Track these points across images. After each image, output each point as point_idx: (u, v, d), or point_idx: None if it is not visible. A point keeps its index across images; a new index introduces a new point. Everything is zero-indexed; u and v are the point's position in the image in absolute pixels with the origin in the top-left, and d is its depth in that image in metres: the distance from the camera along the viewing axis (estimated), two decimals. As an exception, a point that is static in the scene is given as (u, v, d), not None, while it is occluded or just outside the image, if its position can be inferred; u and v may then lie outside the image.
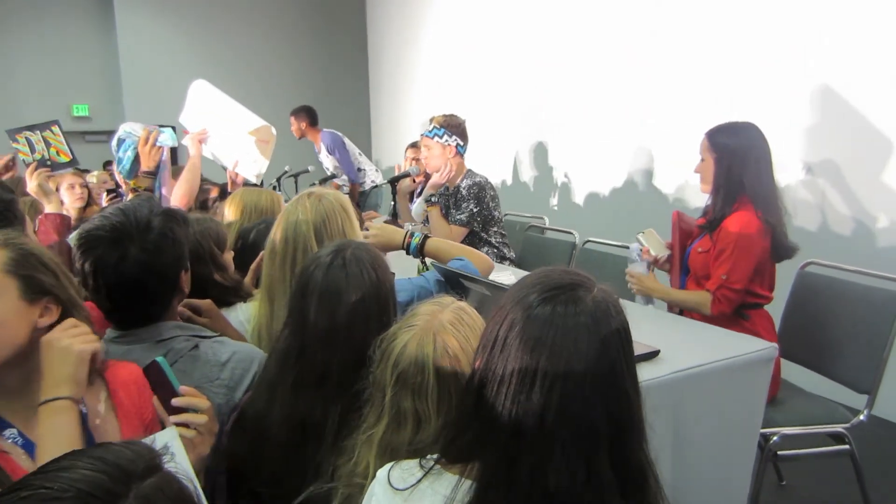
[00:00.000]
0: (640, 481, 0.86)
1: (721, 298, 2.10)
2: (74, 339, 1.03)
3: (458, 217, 2.98)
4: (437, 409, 1.06)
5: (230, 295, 1.76)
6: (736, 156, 2.12)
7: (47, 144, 2.53)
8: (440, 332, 1.09)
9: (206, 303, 1.64)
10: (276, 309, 1.61)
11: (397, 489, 0.91)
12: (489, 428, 0.85)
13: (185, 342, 1.34)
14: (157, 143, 2.57)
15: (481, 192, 2.98)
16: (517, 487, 0.81)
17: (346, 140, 5.31)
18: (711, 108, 3.89)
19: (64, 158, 2.49)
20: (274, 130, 3.13)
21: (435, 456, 0.92)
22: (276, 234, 1.65)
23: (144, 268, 1.26)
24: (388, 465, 0.96)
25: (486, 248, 3.07)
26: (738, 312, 2.15)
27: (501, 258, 3.07)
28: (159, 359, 1.16)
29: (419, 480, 0.90)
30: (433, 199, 3.01)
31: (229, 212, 2.22)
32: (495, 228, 3.08)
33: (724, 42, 3.80)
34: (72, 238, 1.63)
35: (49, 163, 2.47)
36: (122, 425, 1.11)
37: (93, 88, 7.92)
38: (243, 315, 1.72)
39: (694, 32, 3.98)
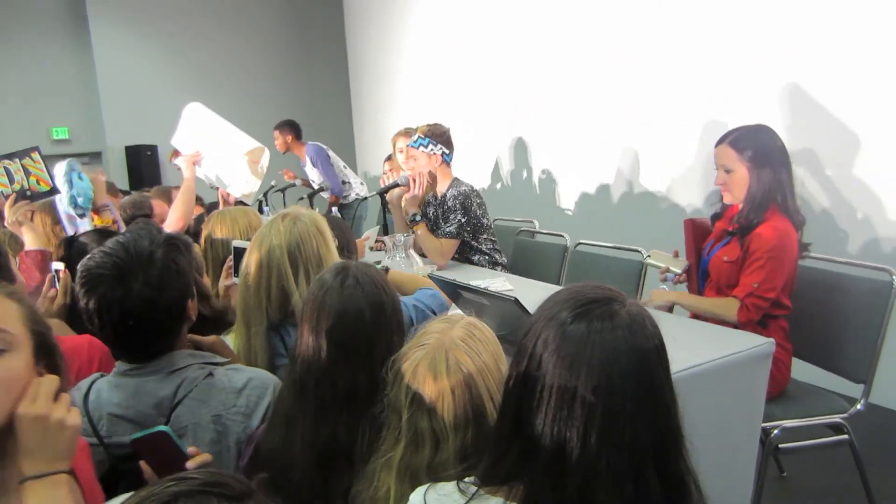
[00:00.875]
0: (684, 491, 0.85)
1: (750, 306, 2.04)
2: (68, 415, 0.97)
3: (447, 229, 2.98)
4: (455, 428, 1.06)
5: (210, 327, 1.71)
6: (770, 162, 2.06)
7: (27, 173, 2.45)
8: (452, 349, 1.09)
9: (210, 339, 1.63)
10: (252, 337, 1.60)
11: None
12: (531, 449, 0.83)
13: (200, 370, 1.32)
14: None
15: (467, 200, 2.98)
16: None
17: (331, 153, 5.32)
18: (695, 105, 3.94)
19: (44, 187, 2.42)
20: (267, 153, 3.13)
21: (473, 479, 0.91)
22: (250, 259, 1.62)
23: (150, 303, 1.24)
24: (422, 489, 0.95)
25: (477, 256, 3.07)
26: (760, 321, 2.11)
27: (493, 264, 3.08)
28: (164, 428, 1.13)
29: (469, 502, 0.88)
30: (417, 217, 3.00)
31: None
32: (485, 235, 3.08)
33: (705, 39, 3.85)
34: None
35: (29, 193, 2.39)
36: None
37: (72, 111, 7.85)
38: (231, 344, 1.68)
39: (677, 32, 4.02)
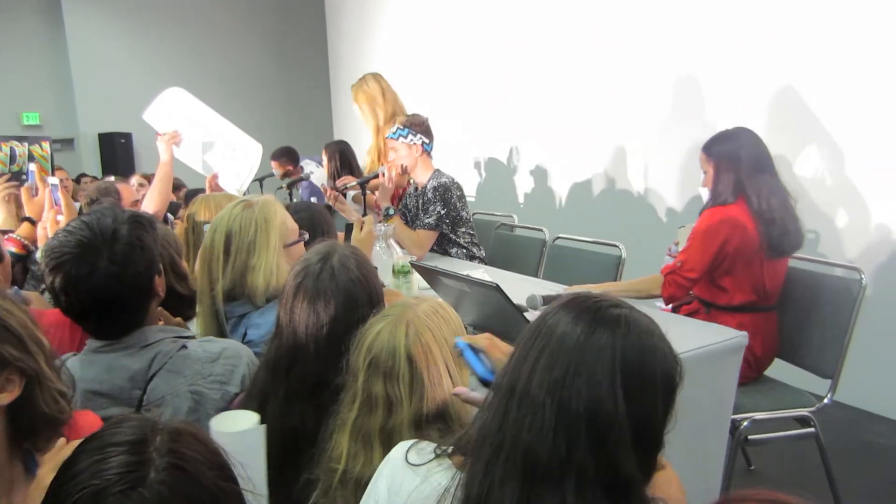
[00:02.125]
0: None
1: (671, 283, 2.16)
2: None
3: (426, 221, 2.98)
4: (410, 394, 1.08)
5: (187, 307, 1.72)
6: (731, 161, 2.18)
7: (30, 157, 2.40)
8: (414, 320, 1.12)
9: (176, 320, 1.64)
10: (205, 318, 1.62)
11: (413, 464, 0.93)
12: (510, 446, 0.82)
13: (173, 343, 1.33)
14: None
15: (447, 192, 2.98)
16: None
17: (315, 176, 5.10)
18: (676, 102, 4.00)
19: (42, 175, 2.36)
20: (260, 149, 3.09)
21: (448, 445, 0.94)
22: (204, 242, 1.66)
23: (116, 280, 1.24)
24: (406, 444, 0.98)
25: (454, 249, 3.08)
26: (711, 308, 2.22)
27: (471, 257, 3.09)
28: None
29: (429, 461, 0.92)
30: (390, 211, 2.99)
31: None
32: (463, 229, 3.09)
33: (689, 36, 3.90)
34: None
35: (24, 177, 2.32)
36: None
37: (43, 96, 7.68)
38: (196, 329, 1.69)
39: (661, 28, 4.08)
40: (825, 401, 2.12)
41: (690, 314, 2.34)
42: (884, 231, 3.15)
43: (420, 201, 3.08)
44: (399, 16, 6.61)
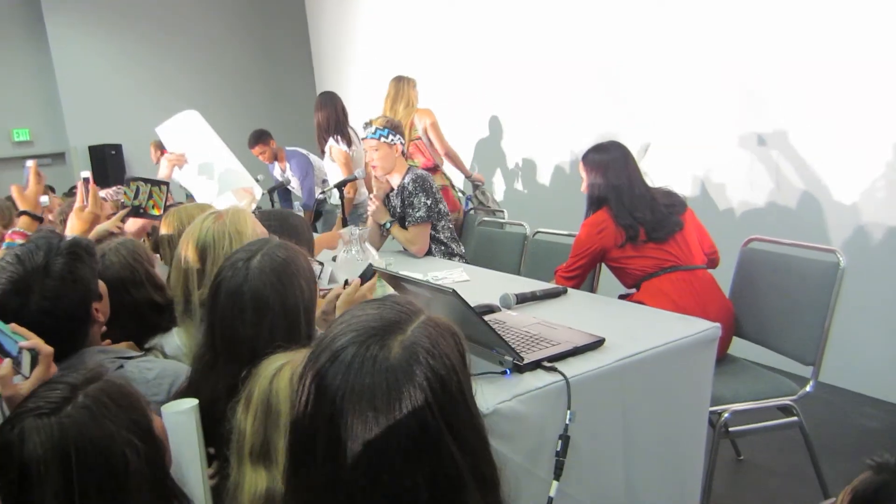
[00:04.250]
0: None
1: (558, 279, 2.49)
2: None
3: (416, 215, 2.96)
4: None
5: (167, 318, 1.71)
6: (599, 171, 2.48)
7: (149, 196, 2.58)
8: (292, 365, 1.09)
9: (122, 345, 1.63)
10: (188, 328, 1.60)
11: None
12: (308, 494, 0.74)
13: (111, 364, 1.33)
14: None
15: (425, 182, 2.99)
16: None
17: (312, 157, 5.03)
18: (663, 91, 3.94)
19: (155, 212, 2.54)
20: (259, 192, 3.09)
21: None
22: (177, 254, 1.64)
23: (49, 314, 1.26)
24: None
25: (433, 245, 3.05)
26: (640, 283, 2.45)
27: (450, 255, 3.06)
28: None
29: None
30: (387, 224, 3.02)
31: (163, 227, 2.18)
32: (443, 223, 3.06)
33: (675, 18, 3.85)
34: None
35: (142, 211, 2.55)
36: None
37: (32, 112, 7.69)
38: (179, 339, 1.66)
39: (645, 15, 4.02)
40: (807, 388, 2.08)
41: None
42: (858, 210, 3.11)
43: (401, 198, 3.05)
44: (379, 10, 6.56)
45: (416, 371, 0.70)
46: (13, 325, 1.20)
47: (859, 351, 3.05)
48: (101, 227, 2.13)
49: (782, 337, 2.20)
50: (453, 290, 1.55)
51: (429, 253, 3.06)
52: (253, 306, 1.23)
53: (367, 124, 3.02)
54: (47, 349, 1.21)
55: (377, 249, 2.86)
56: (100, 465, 0.90)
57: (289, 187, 4.94)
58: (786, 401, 2.08)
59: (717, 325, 1.84)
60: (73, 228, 2.08)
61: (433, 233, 3.04)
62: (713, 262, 2.53)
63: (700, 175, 3.79)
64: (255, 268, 1.25)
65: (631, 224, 2.39)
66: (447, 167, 4.24)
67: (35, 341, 1.20)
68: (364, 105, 6.96)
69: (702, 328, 1.80)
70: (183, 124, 3.05)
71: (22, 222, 2.11)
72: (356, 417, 0.69)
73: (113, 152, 7.58)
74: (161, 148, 6.52)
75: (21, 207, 2.12)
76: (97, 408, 0.93)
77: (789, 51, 3.27)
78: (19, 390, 1.12)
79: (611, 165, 2.47)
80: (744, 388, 2.11)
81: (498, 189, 5.35)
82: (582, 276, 2.52)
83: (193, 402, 1.14)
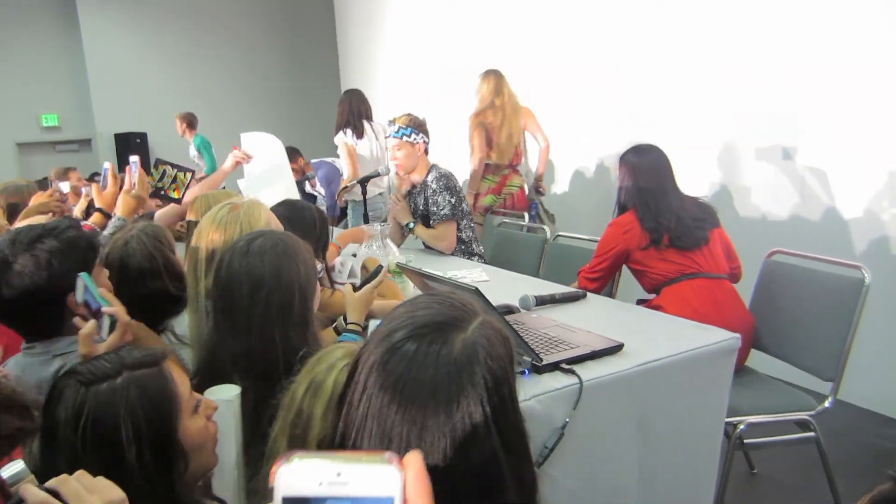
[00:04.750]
0: None
1: (581, 280, 2.53)
2: None
3: (441, 213, 2.97)
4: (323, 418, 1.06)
5: (182, 305, 1.74)
6: (634, 173, 2.48)
7: (173, 181, 2.73)
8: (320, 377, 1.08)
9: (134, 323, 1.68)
10: (192, 316, 1.66)
11: None
12: None
13: (71, 358, 1.37)
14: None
15: (450, 181, 3.00)
16: None
17: (339, 163, 5.11)
18: (686, 97, 3.92)
19: (174, 195, 2.68)
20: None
21: None
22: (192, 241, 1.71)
23: (18, 291, 1.34)
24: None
25: (456, 244, 3.05)
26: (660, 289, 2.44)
27: (470, 254, 3.06)
28: (83, 274, 1.34)
29: None
30: (410, 224, 3.03)
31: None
32: (465, 221, 3.07)
33: (699, 28, 3.83)
34: None
35: (162, 193, 2.68)
36: None
37: (61, 98, 7.82)
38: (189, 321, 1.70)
39: (669, 21, 4.01)
40: (826, 404, 2.06)
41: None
42: (886, 227, 3.07)
43: (423, 196, 3.06)
44: (407, 14, 6.59)
45: (476, 369, 0.72)
46: (102, 289, 1.32)
47: (878, 369, 3.01)
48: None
49: (802, 351, 2.18)
50: (476, 287, 1.56)
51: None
52: (249, 280, 1.31)
53: (391, 122, 3.04)
54: (125, 318, 1.32)
55: (398, 246, 2.88)
56: (101, 447, 0.95)
57: (318, 196, 5.00)
58: (803, 415, 2.06)
59: (737, 335, 1.83)
60: (120, 209, 2.19)
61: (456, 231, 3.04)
62: (734, 276, 2.50)
63: (724, 186, 3.76)
64: (255, 247, 1.34)
65: (655, 228, 2.39)
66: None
67: (116, 308, 1.32)
68: (390, 105, 7.01)
69: (721, 338, 1.79)
70: (265, 141, 3.18)
71: (94, 218, 2.26)
72: (413, 409, 0.70)
73: (138, 140, 7.68)
74: (186, 120, 6.57)
75: (97, 204, 2.27)
76: (119, 396, 0.97)
77: (816, 62, 3.23)
78: (94, 350, 1.23)
79: (643, 168, 2.47)
80: (761, 401, 2.10)
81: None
82: (605, 279, 2.52)
83: (236, 389, 1.18)
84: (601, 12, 4.44)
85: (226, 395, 1.17)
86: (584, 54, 4.60)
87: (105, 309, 1.30)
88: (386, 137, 3.22)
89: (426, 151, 3.04)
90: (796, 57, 3.32)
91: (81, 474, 0.80)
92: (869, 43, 3.03)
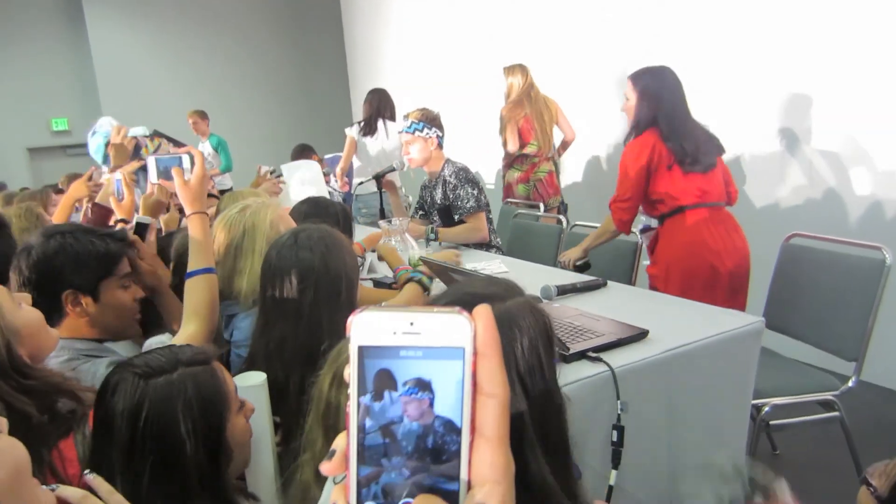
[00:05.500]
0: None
1: (615, 211, 2.55)
2: None
3: (467, 206, 2.98)
4: None
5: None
6: (655, 98, 2.48)
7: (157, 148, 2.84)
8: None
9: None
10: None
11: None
12: None
13: (66, 362, 1.40)
14: (129, 135, 2.67)
15: (468, 173, 3.03)
16: None
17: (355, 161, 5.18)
18: (700, 82, 3.88)
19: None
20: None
21: None
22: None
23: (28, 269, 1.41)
24: None
25: None
26: (663, 219, 2.52)
27: (487, 246, 3.07)
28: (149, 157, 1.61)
29: None
30: (431, 234, 2.95)
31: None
32: (482, 213, 3.08)
33: (711, 11, 3.82)
34: None
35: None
36: None
37: (71, 101, 7.86)
38: None
39: (682, 12, 3.99)
40: (850, 384, 2.08)
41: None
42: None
43: (439, 190, 3.07)
44: (414, 11, 6.58)
45: (508, 332, 0.82)
46: (157, 138, 1.41)
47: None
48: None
49: (824, 332, 2.20)
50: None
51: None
52: (298, 267, 1.38)
53: (405, 118, 3.05)
54: (196, 150, 1.54)
55: (416, 240, 2.90)
56: (160, 441, 0.97)
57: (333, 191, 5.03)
58: (828, 396, 2.08)
59: (761, 318, 1.85)
60: (144, 209, 2.24)
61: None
62: (731, 200, 2.59)
63: (739, 170, 3.75)
64: (303, 238, 1.42)
65: (679, 148, 2.43)
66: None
67: (188, 147, 1.50)
68: (398, 101, 7.00)
69: (747, 322, 1.81)
70: (304, 166, 3.39)
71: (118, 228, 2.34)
72: None
73: (148, 142, 7.72)
74: (200, 117, 6.54)
75: (119, 215, 2.32)
76: (177, 390, 0.99)
77: (831, 45, 3.22)
78: (189, 183, 1.52)
79: (665, 92, 2.49)
80: (785, 383, 2.11)
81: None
82: (635, 204, 2.54)
83: (262, 375, 1.21)
84: (621, 8, 4.43)
85: (253, 382, 1.21)
86: (595, 43, 4.59)
87: (181, 151, 1.43)
88: (399, 133, 3.24)
89: (440, 145, 3.05)
90: (811, 40, 3.31)
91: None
92: (884, 25, 3.01)
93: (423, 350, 0.33)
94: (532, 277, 2.32)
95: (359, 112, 8.20)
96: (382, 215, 3.19)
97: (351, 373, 0.34)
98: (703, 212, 2.45)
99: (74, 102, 7.87)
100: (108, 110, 7.65)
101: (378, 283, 2.41)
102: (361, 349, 0.34)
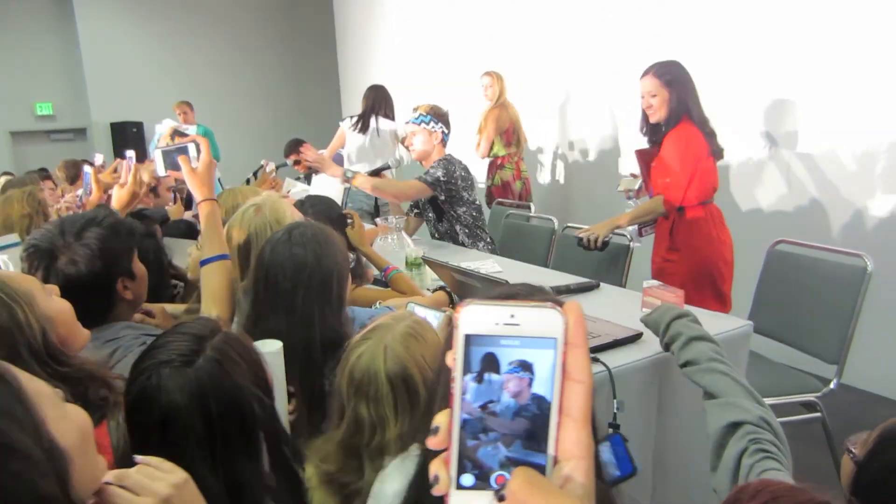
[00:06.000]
0: None
1: (673, 194, 2.58)
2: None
3: (422, 176, 2.99)
4: (395, 415, 1.15)
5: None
6: (682, 86, 2.58)
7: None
8: (391, 344, 1.17)
9: (158, 307, 1.78)
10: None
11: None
12: None
13: (134, 340, 1.42)
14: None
15: (449, 164, 2.99)
16: None
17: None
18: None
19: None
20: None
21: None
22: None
23: (70, 278, 1.37)
24: (385, 472, 1.04)
25: (458, 227, 3.08)
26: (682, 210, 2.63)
27: (475, 238, 3.07)
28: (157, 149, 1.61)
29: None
30: (348, 174, 3.01)
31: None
32: (464, 209, 3.08)
33: (699, 17, 3.88)
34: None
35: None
36: None
37: (56, 86, 7.76)
38: None
39: (670, 11, 4.05)
40: (831, 385, 2.16)
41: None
42: (887, 217, 3.16)
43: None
44: (406, 13, 6.58)
45: None
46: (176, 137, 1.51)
47: (879, 353, 3.11)
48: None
49: (807, 336, 2.28)
50: (506, 281, 1.63)
51: (453, 233, 3.12)
52: (293, 264, 1.43)
53: (414, 109, 3.07)
54: (201, 137, 1.55)
55: (410, 236, 2.93)
56: (234, 415, 0.97)
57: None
58: (810, 397, 2.16)
59: (750, 323, 1.92)
60: (114, 202, 2.26)
61: (453, 213, 3.07)
62: None
63: (727, 177, 3.82)
64: (297, 235, 1.47)
65: (711, 138, 2.57)
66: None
67: (193, 136, 1.50)
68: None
69: (736, 325, 1.88)
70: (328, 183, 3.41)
71: None
72: None
73: (134, 130, 7.66)
74: (188, 108, 6.47)
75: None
76: (226, 361, 0.99)
77: (816, 53, 3.30)
78: (197, 171, 1.53)
79: (688, 81, 2.60)
80: (769, 384, 2.18)
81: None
82: (685, 190, 2.61)
83: (278, 343, 1.27)
84: (613, 9, 4.48)
85: (270, 348, 1.24)
86: (587, 46, 4.64)
87: (187, 140, 1.46)
88: (406, 123, 3.25)
89: (444, 142, 3.07)
90: (796, 47, 3.39)
91: (153, 461, 0.83)
92: (869, 34, 3.09)
93: (521, 339, 0.38)
94: (524, 277, 2.33)
95: (348, 107, 8.23)
96: (377, 213, 3.21)
97: (456, 357, 0.38)
98: (714, 204, 2.64)
99: (60, 87, 7.77)
100: (94, 96, 7.57)
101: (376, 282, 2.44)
102: (468, 337, 0.38)
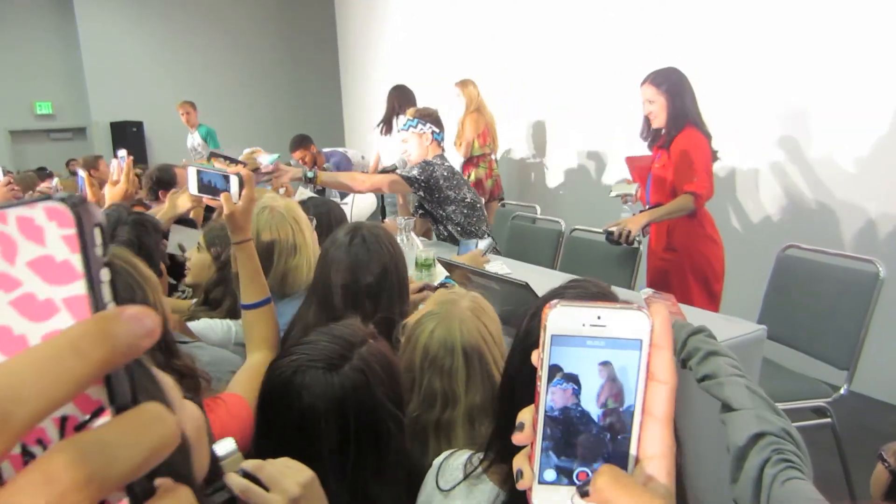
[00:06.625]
0: None
1: (704, 190, 2.64)
2: None
3: (401, 171, 3.01)
4: (466, 390, 1.16)
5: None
6: (680, 92, 2.70)
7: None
8: (465, 318, 1.20)
9: (175, 318, 1.77)
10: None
11: (441, 489, 0.96)
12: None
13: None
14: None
15: (428, 166, 2.95)
16: None
17: (350, 153, 5.27)
18: (698, 94, 3.97)
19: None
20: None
21: (481, 455, 0.95)
22: None
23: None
24: (445, 454, 1.02)
25: (450, 226, 3.05)
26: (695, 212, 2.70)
27: (469, 234, 3.04)
28: (191, 166, 1.46)
29: (457, 483, 0.95)
30: (309, 174, 3.00)
31: None
32: (453, 207, 3.03)
33: (707, 19, 3.89)
34: None
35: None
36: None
37: (56, 85, 7.75)
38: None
39: (678, 23, 4.06)
40: (842, 391, 2.15)
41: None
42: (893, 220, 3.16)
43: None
44: (408, 12, 6.58)
45: None
46: (214, 159, 1.44)
47: (890, 360, 3.10)
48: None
49: (817, 341, 2.27)
50: (526, 283, 1.62)
51: (446, 233, 3.08)
52: (379, 263, 1.45)
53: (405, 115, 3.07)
54: (247, 172, 1.40)
55: (419, 237, 2.92)
56: (370, 430, 0.95)
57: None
58: (820, 402, 2.15)
59: (763, 327, 1.92)
60: (107, 200, 2.24)
61: (442, 212, 3.04)
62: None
63: (737, 181, 3.83)
64: (371, 236, 1.48)
65: (708, 139, 2.66)
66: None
67: (238, 168, 1.40)
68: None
69: (750, 330, 1.87)
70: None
71: None
72: None
73: (134, 129, 7.64)
74: (191, 108, 6.46)
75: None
76: (370, 373, 0.97)
77: (827, 57, 3.31)
78: (237, 209, 1.36)
79: (685, 87, 2.71)
80: (780, 389, 2.18)
81: (529, 185, 5.40)
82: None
83: None
84: (619, 12, 4.49)
85: None
86: (589, 50, 4.64)
87: (230, 171, 1.36)
88: (398, 131, 3.25)
89: (437, 141, 3.04)
90: (807, 52, 3.39)
91: (281, 460, 0.83)
92: (882, 37, 3.10)
93: (606, 340, 0.38)
94: (531, 279, 2.34)
95: (349, 105, 8.23)
96: (384, 214, 3.20)
97: (542, 357, 0.38)
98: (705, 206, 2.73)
99: (60, 86, 7.76)
100: (94, 96, 7.55)
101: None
102: (553, 337, 0.38)
